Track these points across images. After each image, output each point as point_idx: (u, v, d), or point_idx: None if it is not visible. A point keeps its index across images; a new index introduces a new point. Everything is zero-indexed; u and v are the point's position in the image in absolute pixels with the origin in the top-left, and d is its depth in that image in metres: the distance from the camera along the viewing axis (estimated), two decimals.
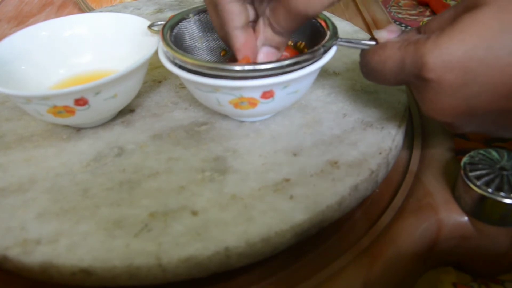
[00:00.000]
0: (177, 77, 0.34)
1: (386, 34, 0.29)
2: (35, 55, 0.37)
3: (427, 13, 0.66)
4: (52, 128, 0.35)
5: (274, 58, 0.30)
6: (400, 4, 0.69)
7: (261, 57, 0.30)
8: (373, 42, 0.29)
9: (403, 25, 0.63)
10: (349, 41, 0.30)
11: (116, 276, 0.24)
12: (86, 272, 0.24)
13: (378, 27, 0.54)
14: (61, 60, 0.38)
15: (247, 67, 0.27)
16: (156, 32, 0.34)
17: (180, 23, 0.34)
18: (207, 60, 0.30)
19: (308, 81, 0.31)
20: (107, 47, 0.39)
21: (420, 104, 0.27)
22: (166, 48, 0.30)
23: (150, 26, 0.35)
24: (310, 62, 0.29)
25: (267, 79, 0.28)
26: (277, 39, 0.29)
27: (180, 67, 0.29)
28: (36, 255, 0.25)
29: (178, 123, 0.35)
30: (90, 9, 0.64)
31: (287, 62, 0.27)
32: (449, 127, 0.28)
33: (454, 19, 0.25)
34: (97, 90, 0.30)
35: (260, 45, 0.30)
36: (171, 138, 0.33)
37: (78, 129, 0.35)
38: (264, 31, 0.29)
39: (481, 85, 0.24)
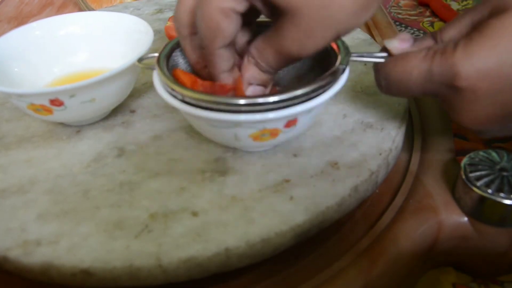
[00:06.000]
0: None
1: (398, 44, 0.28)
2: (29, 54, 0.37)
3: (427, 13, 0.66)
4: (52, 129, 0.35)
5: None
6: (400, 4, 0.69)
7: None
8: (385, 54, 0.28)
9: (403, 25, 0.63)
10: (361, 55, 0.29)
11: (117, 277, 0.24)
12: (86, 273, 0.24)
13: (378, 27, 0.54)
14: (56, 58, 0.38)
15: (271, 99, 0.25)
16: (148, 66, 0.30)
17: (173, 53, 0.31)
18: (225, 96, 0.27)
19: (326, 102, 0.29)
20: (102, 46, 0.39)
21: (452, 114, 0.27)
22: (171, 86, 0.27)
23: (139, 61, 0.31)
24: (333, 84, 0.27)
25: (293, 108, 0.26)
26: (264, 77, 0.28)
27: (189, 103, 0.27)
28: (37, 256, 0.25)
29: (178, 124, 0.35)
30: (90, 10, 0.64)
31: (310, 88, 0.26)
32: (480, 134, 0.27)
33: (476, 25, 0.25)
34: (71, 93, 0.30)
35: (247, 84, 0.28)
36: (171, 139, 0.33)
37: (78, 130, 0.35)
38: (249, 70, 0.27)
39: None
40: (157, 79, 0.29)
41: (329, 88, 0.27)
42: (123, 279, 0.24)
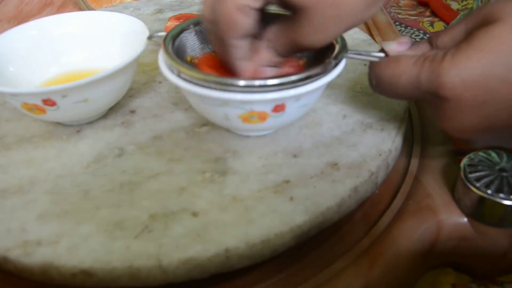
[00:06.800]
0: None
1: (395, 47, 0.28)
2: (26, 53, 0.37)
3: (427, 13, 0.66)
4: (53, 129, 0.35)
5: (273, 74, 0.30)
6: (400, 4, 0.70)
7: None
8: (382, 54, 0.29)
9: (403, 25, 0.63)
10: (358, 53, 0.30)
11: (117, 277, 0.24)
12: (86, 274, 0.24)
13: (378, 28, 0.55)
14: (52, 58, 0.38)
15: (257, 83, 0.27)
16: (156, 43, 0.33)
17: (181, 34, 0.33)
18: (216, 75, 0.29)
19: (317, 94, 0.30)
20: (98, 45, 0.39)
21: (438, 121, 0.27)
22: (170, 62, 0.29)
23: (150, 38, 0.34)
24: (322, 75, 0.28)
25: (280, 92, 0.27)
26: (277, 59, 0.30)
27: (184, 79, 0.29)
28: (37, 256, 0.25)
29: (179, 124, 0.35)
30: (90, 9, 0.64)
31: (298, 76, 0.27)
32: (467, 142, 0.27)
33: (468, 34, 0.25)
34: (63, 93, 0.30)
35: (261, 64, 0.30)
36: (171, 139, 0.33)
37: (78, 130, 0.35)
38: (265, 52, 0.29)
39: (500, 102, 0.24)
40: (161, 56, 0.31)
41: (317, 79, 0.28)
42: (123, 280, 0.24)
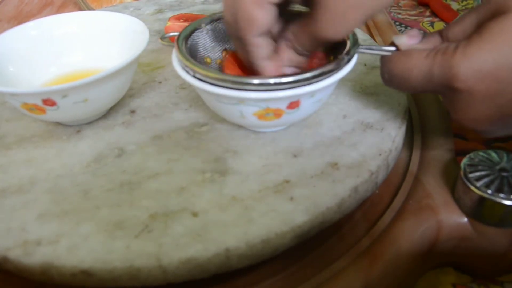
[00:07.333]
0: (177, 77, 0.34)
1: (406, 40, 0.28)
2: (25, 53, 0.37)
3: (427, 13, 0.66)
4: (53, 128, 0.35)
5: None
6: (400, 4, 0.70)
7: None
8: (393, 48, 0.29)
9: (403, 25, 0.63)
10: (370, 48, 0.30)
11: (117, 277, 0.24)
12: (86, 273, 0.24)
13: (378, 27, 0.55)
14: (53, 58, 0.38)
15: (271, 81, 0.27)
16: (169, 44, 0.33)
17: (194, 34, 0.33)
18: (231, 74, 0.29)
19: (330, 89, 0.31)
20: (99, 45, 0.39)
21: (452, 113, 0.27)
22: (185, 62, 0.29)
23: (162, 38, 0.34)
24: (336, 71, 0.28)
25: (295, 90, 0.27)
26: (300, 59, 0.29)
27: (200, 79, 0.29)
28: (37, 256, 0.25)
29: (179, 124, 0.35)
30: (90, 10, 0.64)
31: (313, 73, 0.27)
32: (482, 134, 0.28)
33: (479, 26, 0.25)
34: (63, 93, 0.30)
35: (284, 66, 0.30)
36: (171, 139, 0.33)
37: (79, 130, 0.35)
38: (286, 53, 0.29)
39: None
40: (174, 56, 0.31)
41: (331, 75, 0.28)
42: (123, 279, 0.24)
